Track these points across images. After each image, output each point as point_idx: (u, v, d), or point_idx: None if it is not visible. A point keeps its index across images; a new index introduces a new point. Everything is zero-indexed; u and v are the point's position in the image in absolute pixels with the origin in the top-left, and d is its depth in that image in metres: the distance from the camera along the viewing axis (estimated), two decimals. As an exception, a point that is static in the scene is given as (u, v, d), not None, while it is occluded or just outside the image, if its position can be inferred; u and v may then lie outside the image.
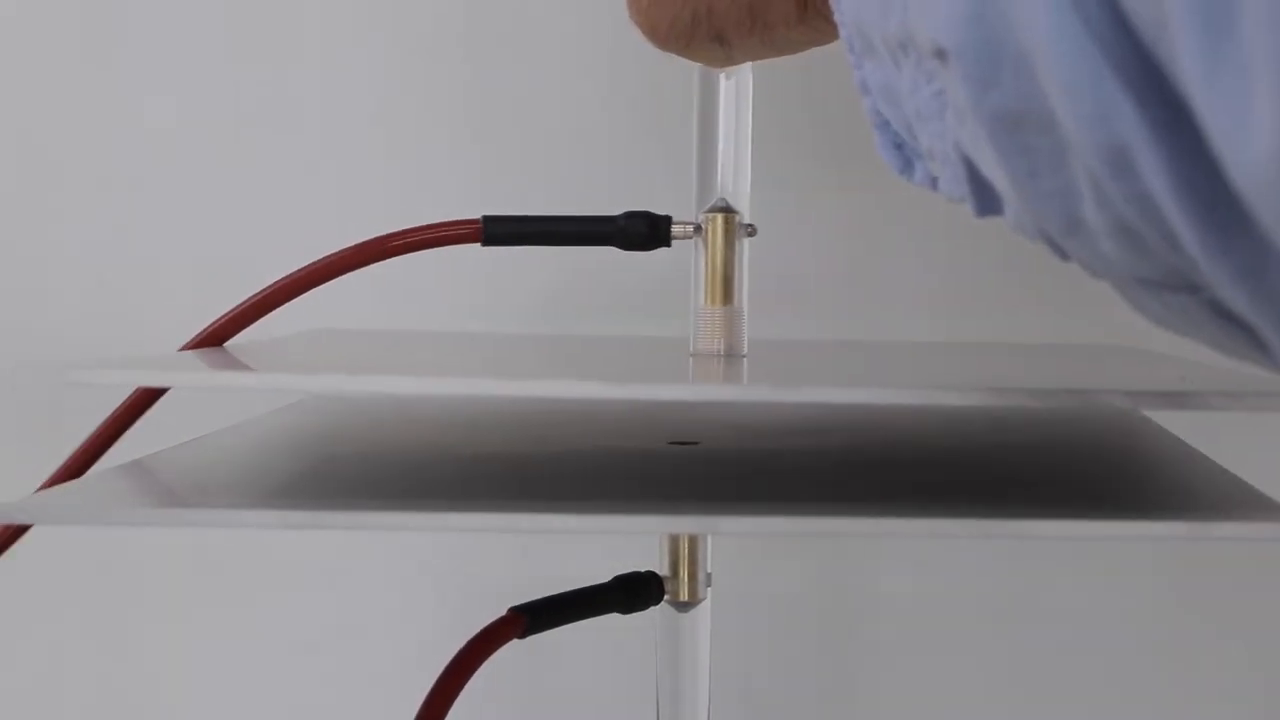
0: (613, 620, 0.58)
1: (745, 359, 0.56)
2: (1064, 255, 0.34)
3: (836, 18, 0.39)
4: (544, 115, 0.81)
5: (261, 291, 0.57)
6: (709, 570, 0.61)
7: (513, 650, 0.54)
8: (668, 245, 0.57)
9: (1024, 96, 0.30)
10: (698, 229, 0.57)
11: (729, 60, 0.50)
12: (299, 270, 0.57)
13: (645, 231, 0.57)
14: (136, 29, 0.81)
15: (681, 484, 0.49)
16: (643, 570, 0.59)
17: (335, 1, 0.81)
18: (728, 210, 0.57)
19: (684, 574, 0.60)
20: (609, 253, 0.58)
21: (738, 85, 0.58)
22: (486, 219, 0.57)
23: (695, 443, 0.54)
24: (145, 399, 0.59)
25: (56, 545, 0.79)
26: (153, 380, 0.50)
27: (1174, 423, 0.61)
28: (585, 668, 0.81)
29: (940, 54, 0.32)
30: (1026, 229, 0.34)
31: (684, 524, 0.48)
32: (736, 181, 0.58)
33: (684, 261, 0.59)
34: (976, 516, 0.41)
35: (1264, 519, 0.42)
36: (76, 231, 0.81)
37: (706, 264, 0.57)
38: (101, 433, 0.59)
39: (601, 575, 0.58)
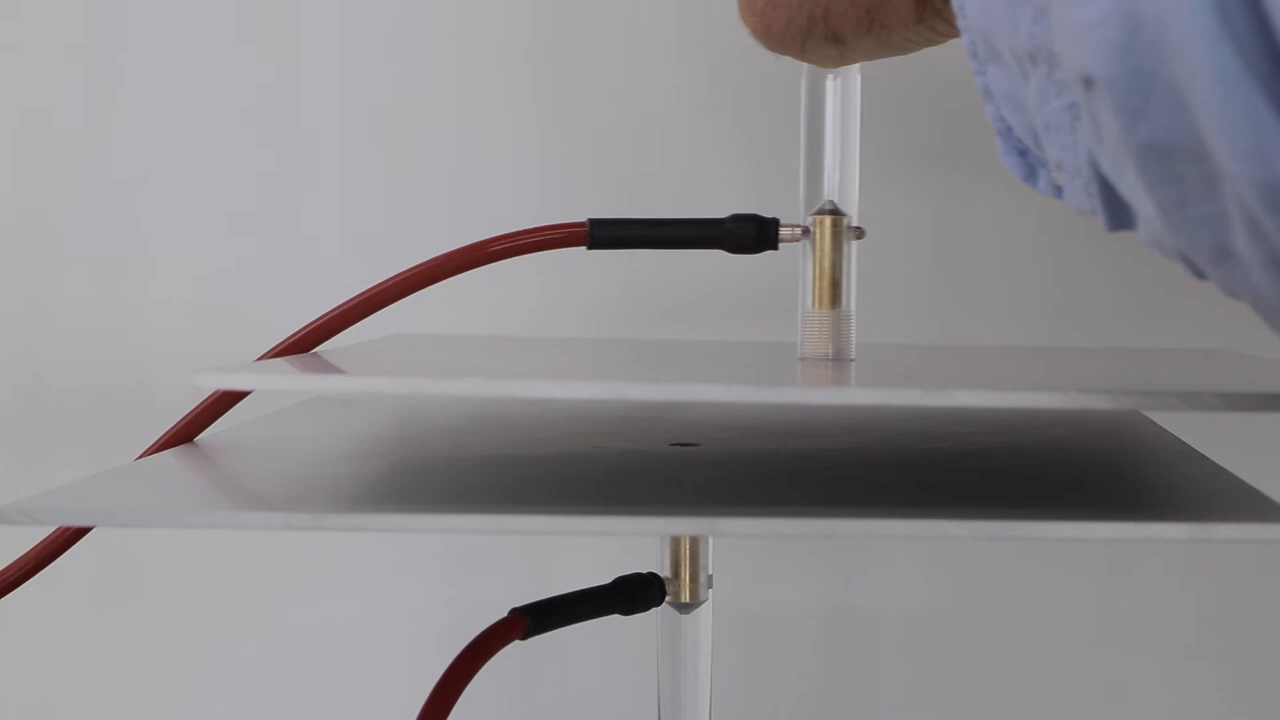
0: (614, 622, 0.58)
1: (854, 363, 0.56)
2: (1201, 275, 0.33)
3: (960, 23, 0.39)
4: (641, 118, 0.80)
5: (362, 294, 0.56)
6: (710, 572, 0.61)
7: (514, 652, 0.54)
8: (775, 248, 0.56)
9: (1175, 128, 0.30)
10: (806, 231, 0.56)
11: (843, 60, 0.49)
12: (400, 274, 0.56)
13: (753, 234, 0.56)
14: (170, 27, 0.81)
15: (683, 486, 0.49)
16: (644, 571, 0.59)
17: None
18: (836, 213, 0.56)
19: (685, 575, 0.60)
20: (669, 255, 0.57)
21: (846, 85, 0.57)
22: (592, 222, 0.56)
23: (695, 444, 0.54)
24: (225, 401, 0.57)
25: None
26: (278, 385, 0.44)
27: (1174, 423, 0.61)
28: (586, 669, 0.81)
29: (1088, 82, 0.32)
30: (1165, 249, 0.34)
31: (685, 525, 0.48)
32: (844, 183, 0.57)
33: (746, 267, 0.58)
34: (976, 518, 0.41)
35: (1265, 520, 0.42)
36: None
37: (814, 267, 0.56)
38: (175, 434, 0.57)
39: (603, 577, 0.58)
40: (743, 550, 0.79)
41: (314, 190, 0.81)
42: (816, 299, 0.56)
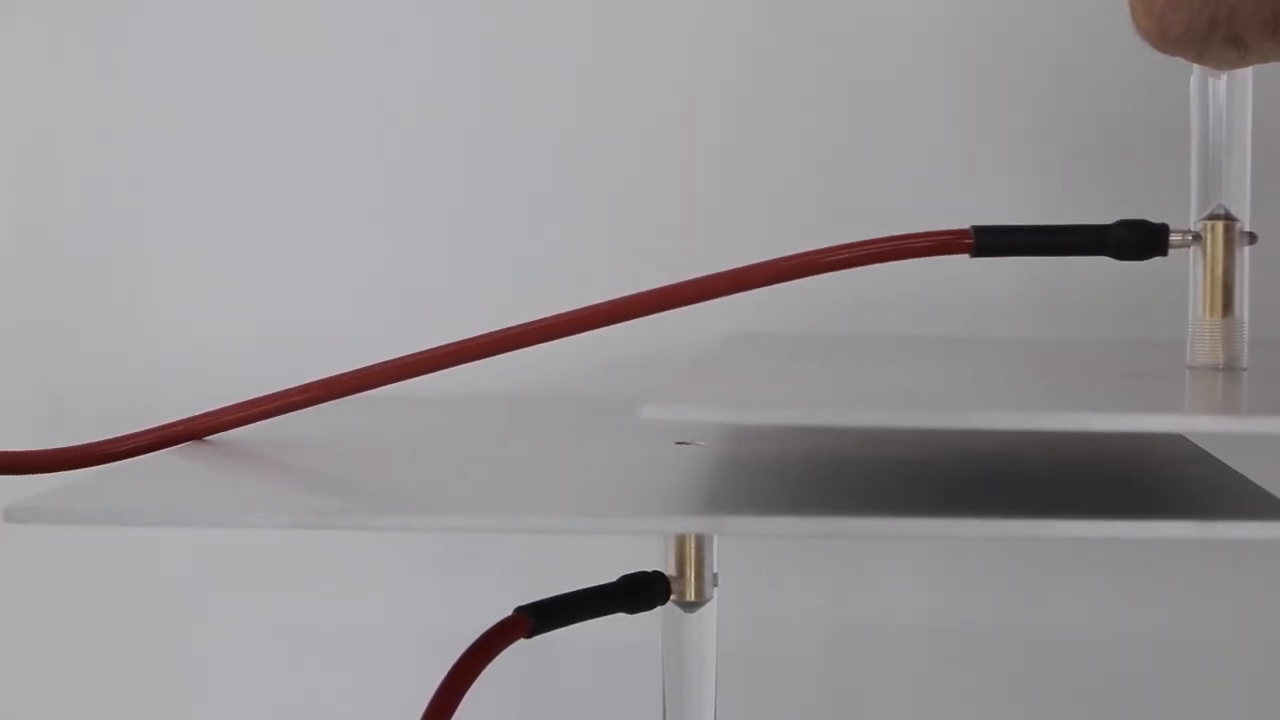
0: (618, 621, 0.58)
1: (1246, 373, 0.54)
2: None
3: None
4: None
5: (689, 281, 0.55)
6: (715, 570, 0.61)
7: (518, 650, 0.54)
8: (1164, 254, 0.55)
9: None
10: (1196, 237, 0.55)
11: (1241, 63, 0.48)
12: (779, 259, 0.55)
13: (1142, 240, 0.55)
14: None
15: (687, 485, 0.49)
16: (649, 570, 0.59)
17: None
18: (1228, 218, 0.55)
19: (690, 574, 0.60)
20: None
21: (1236, 86, 0.55)
22: (977, 229, 0.55)
23: (700, 443, 0.54)
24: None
25: (69, 545, 0.80)
26: (732, 417, 0.42)
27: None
28: (590, 668, 0.81)
29: None
30: None
31: (690, 524, 0.48)
32: (1235, 188, 0.56)
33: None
34: (981, 517, 0.41)
35: (1273, 519, 0.42)
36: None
37: (1205, 273, 0.55)
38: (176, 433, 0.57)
39: (607, 575, 0.58)
40: (748, 550, 0.79)
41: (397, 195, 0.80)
42: (1207, 306, 0.55)
